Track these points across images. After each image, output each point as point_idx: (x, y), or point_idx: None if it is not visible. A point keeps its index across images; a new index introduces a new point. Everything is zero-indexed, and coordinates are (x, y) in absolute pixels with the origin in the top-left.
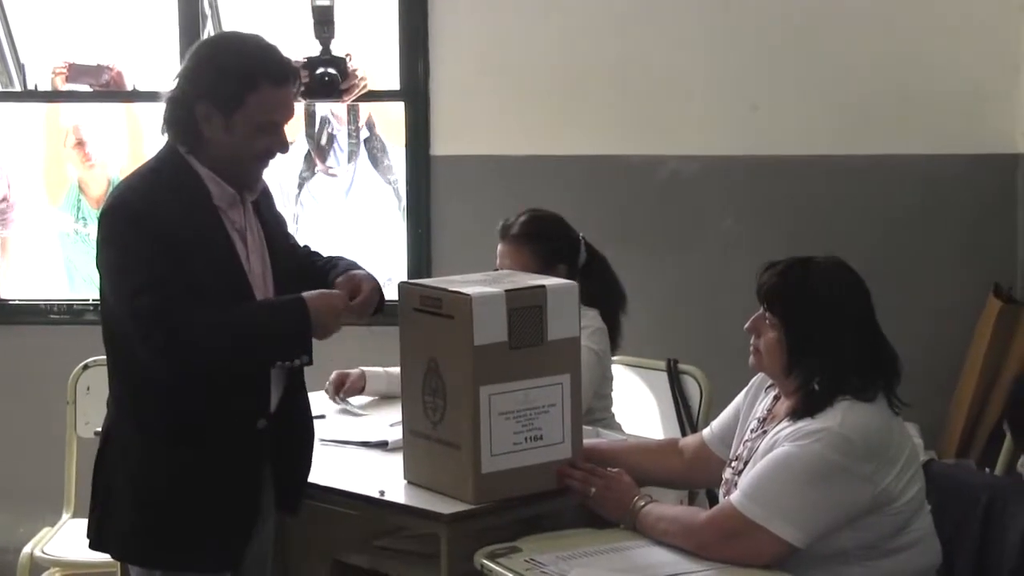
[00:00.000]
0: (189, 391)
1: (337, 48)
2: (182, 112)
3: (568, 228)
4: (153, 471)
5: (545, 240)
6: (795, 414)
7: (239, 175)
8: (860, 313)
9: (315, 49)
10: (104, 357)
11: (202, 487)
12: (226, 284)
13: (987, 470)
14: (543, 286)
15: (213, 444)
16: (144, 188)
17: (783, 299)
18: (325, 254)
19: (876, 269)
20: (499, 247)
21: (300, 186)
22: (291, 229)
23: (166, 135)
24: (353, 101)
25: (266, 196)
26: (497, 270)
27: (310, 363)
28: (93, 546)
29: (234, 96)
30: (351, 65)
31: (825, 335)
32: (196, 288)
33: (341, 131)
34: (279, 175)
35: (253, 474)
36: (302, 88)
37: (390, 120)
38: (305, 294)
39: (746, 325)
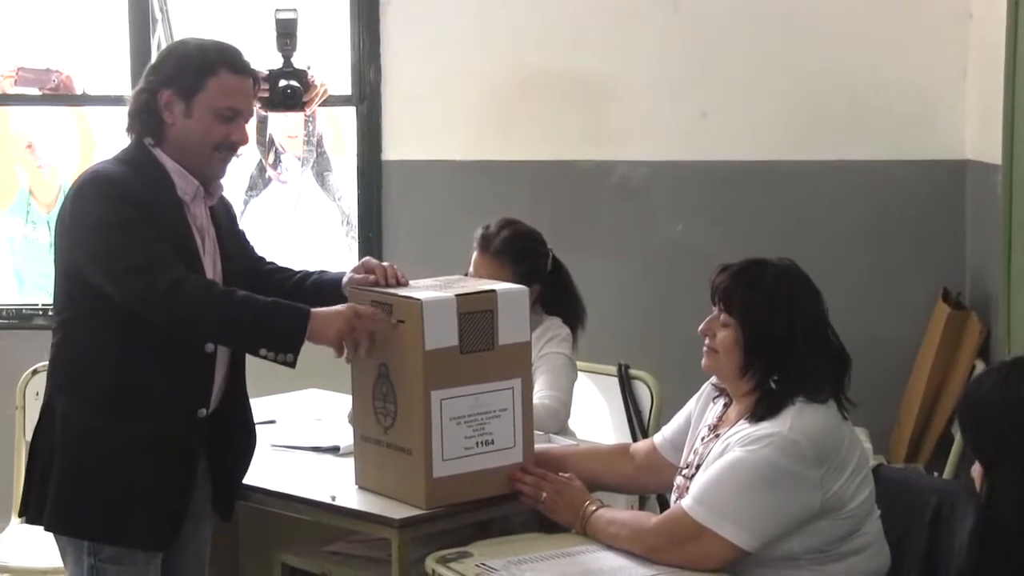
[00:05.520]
0: (135, 368)
1: (298, 60)
2: (145, 100)
3: (545, 244)
4: (89, 444)
5: (526, 259)
6: (750, 416)
7: (200, 165)
8: (813, 313)
9: (276, 61)
10: None
11: (136, 464)
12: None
13: (936, 474)
14: (494, 291)
15: (152, 424)
16: (116, 170)
17: (739, 298)
18: (297, 269)
19: (825, 274)
20: (475, 256)
21: (246, 203)
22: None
23: (131, 130)
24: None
25: (227, 210)
26: (467, 275)
27: (292, 365)
28: (28, 519)
29: (195, 80)
30: (312, 76)
31: (780, 333)
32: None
33: (295, 141)
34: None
35: (188, 460)
36: (262, 93)
37: (338, 126)
38: (315, 309)
39: (700, 327)
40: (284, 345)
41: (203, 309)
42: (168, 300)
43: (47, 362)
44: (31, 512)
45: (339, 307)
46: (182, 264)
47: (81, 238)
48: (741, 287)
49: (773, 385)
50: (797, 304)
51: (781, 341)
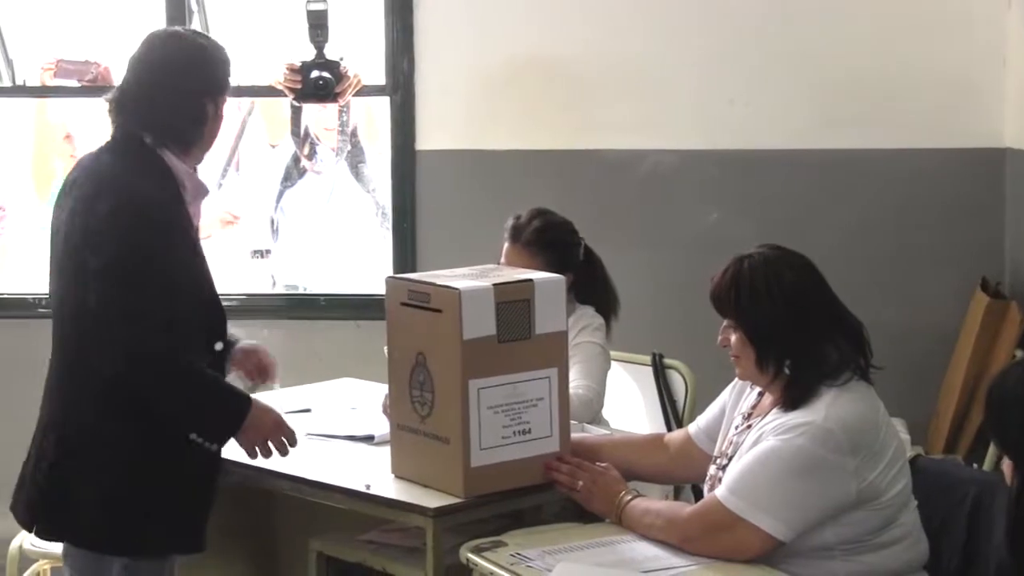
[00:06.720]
0: None
1: (330, 51)
2: (195, 108)
3: (576, 234)
4: (118, 458)
5: (558, 249)
6: (781, 406)
7: (202, 161)
8: (806, 288)
9: (309, 53)
10: None
11: (169, 470)
12: (200, 280)
13: (975, 466)
14: (531, 280)
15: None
16: (147, 189)
17: (728, 299)
18: None
19: (862, 264)
20: (506, 247)
21: (281, 194)
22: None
23: (137, 128)
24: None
25: None
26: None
27: (216, 450)
28: (46, 535)
29: (226, 84)
30: (344, 67)
31: (775, 317)
32: (181, 286)
33: (330, 132)
34: (266, 178)
35: (213, 459)
36: (294, 84)
37: (371, 116)
38: (257, 402)
39: (718, 340)
40: (208, 435)
41: (154, 384)
42: (131, 361)
43: None
44: (55, 531)
45: (270, 414)
46: (172, 331)
47: (103, 263)
48: (726, 288)
49: (787, 370)
50: (780, 285)
51: (779, 324)
